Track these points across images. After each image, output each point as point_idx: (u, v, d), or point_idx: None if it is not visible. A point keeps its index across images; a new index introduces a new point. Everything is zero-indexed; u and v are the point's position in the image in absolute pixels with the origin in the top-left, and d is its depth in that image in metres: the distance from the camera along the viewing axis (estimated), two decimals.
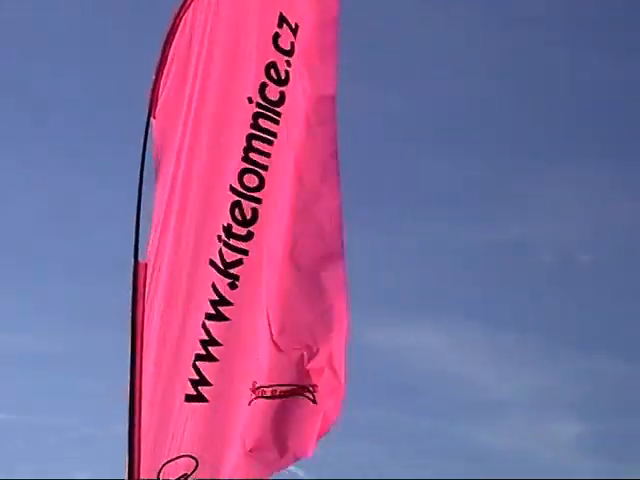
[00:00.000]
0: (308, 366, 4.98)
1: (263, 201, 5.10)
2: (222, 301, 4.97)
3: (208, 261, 4.98)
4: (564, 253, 24.93)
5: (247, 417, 4.97)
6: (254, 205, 5.08)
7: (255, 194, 5.10)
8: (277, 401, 4.96)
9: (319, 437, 4.96)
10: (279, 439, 4.96)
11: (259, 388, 4.96)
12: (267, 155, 5.11)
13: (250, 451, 4.93)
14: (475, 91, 21.51)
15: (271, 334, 5.03)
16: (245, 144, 5.12)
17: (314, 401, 4.93)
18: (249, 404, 4.96)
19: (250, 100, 5.16)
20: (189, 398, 4.88)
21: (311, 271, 5.14)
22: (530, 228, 24.22)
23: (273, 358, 5.01)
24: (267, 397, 4.95)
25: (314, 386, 4.94)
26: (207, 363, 4.92)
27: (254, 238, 5.07)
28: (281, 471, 5.02)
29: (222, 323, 4.98)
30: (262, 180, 5.12)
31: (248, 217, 5.07)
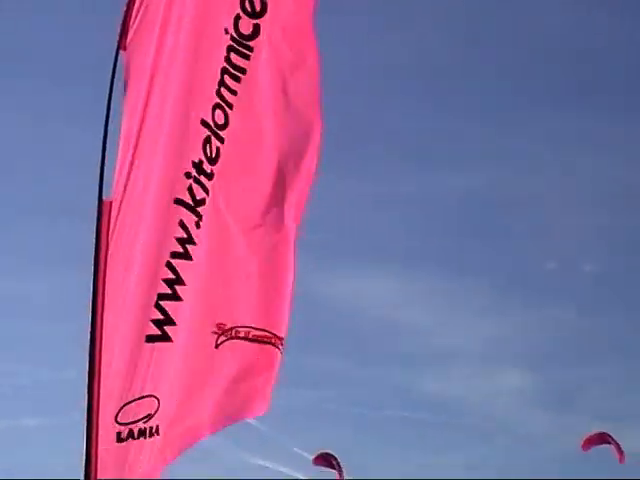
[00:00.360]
0: (282, 315, 5.04)
1: (225, 142, 5.00)
2: (189, 239, 4.90)
3: (174, 199, 4.87)
4: (519, 202, 25.18)
5: (216, 360, 4.95)
6: (218, 144, 4.97)
7: (220, 132, 4.99)
8: (250, 344, 4.97)
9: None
10: (251, 385, 5.01)
11: (232, 329, 4.93)
12: (234, 93, 5.00)
13: (221, 396, 4.95)
14: (450, 44, 21.62)
15: (246, 277, 5.03)
16: (219, 77, 5.00)
17: (282, 353, 5.00)
18: (216, 347, 4.92)
19: (226, 31, 5.02)
20: (151, 338, 4.79)
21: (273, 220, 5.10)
22: (485, 177, 24.36)
23: (250, 300, 5.03)
24: (241, 338, 4.95)
25: (282, 339, 5.02)
26: (172, 302, 4.84)
27: (214, 179, 4.98)
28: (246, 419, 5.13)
29: (188, 262, 4.90)
30: (227, 119, 5.01)
31: (213, 155, 4.98)
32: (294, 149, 5.20)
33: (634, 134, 21.50)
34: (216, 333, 4.94)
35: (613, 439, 18.17)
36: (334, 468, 19.28)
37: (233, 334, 4.96)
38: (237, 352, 4.99)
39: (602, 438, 18.84)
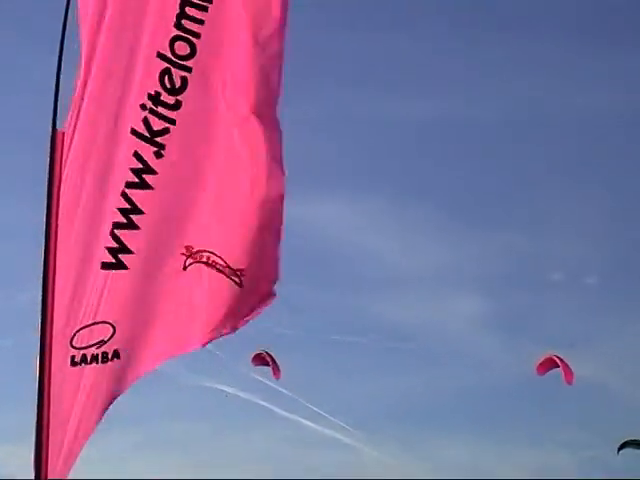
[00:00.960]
0: (241, 247, 4.99)
1: (193, 70, 5.01)
2: (146, 169, 4.93)
3: (129, 130, 4.91)
4: (480, 133, 25.28)
5: (183, 282, 4.98)
6: (184, 74, 4.98)
7: (186, 62, 5.00)
8: (211, 271, 4.97)
9: (246, 318, 5.03)
10: (209, 311, 5.00)
11: (197, 252, 4.97)
12: (200, 22, 5.01)
13: (186, 319, 4.98)
14: None
15: (213, 202, 5.01)
16: (178, 10, 4.99)
17: (240, 285, 4.97)
18: (184, 269, 4.97)
19: None
20: (106, 266, 4.86)
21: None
22: (442, 103, 24.40)
23: (212, 224, 5.01)
24: (203, 263, 4.96)
25: (242, 270, 4.97)
26: (128, 231, 4.89)
27: (182, 107, 4.99)
28: (205, 344, 5.12)
29: (146, 192, 4.94)
30: (194, 48, 5.02)
31: (177, 85, 4.98)
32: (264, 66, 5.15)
33: None
34: (184, 255, 4.99)
35: (562, 360, 18.60)
36: (269, 365, 19.84)
37: (198, 258, 4.99)
38: (200, 277, 5.00)
39: (553, 361, 19.28)
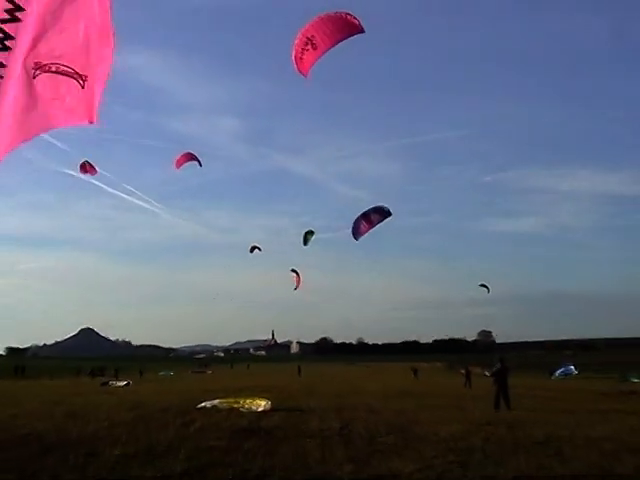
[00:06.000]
0: (87, 56, 5.75)
1: None
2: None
3: None
4: None
5: (33, 86, 5.65)
6: None
7: None
8: (58, 76, 5.63)
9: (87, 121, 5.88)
10: (59, 105, 5.82)
11: (44, 65, 5.55)
12: None
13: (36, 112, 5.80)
14: None
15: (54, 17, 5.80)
16: None
17: (82, 87, 5.74)
18: (34, 77, 5.61)
19: None
20: None
21: None
22: None
23: (54, 38, 5.68)
24: (51, 72, 5.60)
25: (85, 76, 5.72)
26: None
27: None
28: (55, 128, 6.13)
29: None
30: None
31: None
32: None
33: None
34: (34, 68, 5.59)
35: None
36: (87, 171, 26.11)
37: (46, 69, 5.59)
38: (49, 81, 5.67)
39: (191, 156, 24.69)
